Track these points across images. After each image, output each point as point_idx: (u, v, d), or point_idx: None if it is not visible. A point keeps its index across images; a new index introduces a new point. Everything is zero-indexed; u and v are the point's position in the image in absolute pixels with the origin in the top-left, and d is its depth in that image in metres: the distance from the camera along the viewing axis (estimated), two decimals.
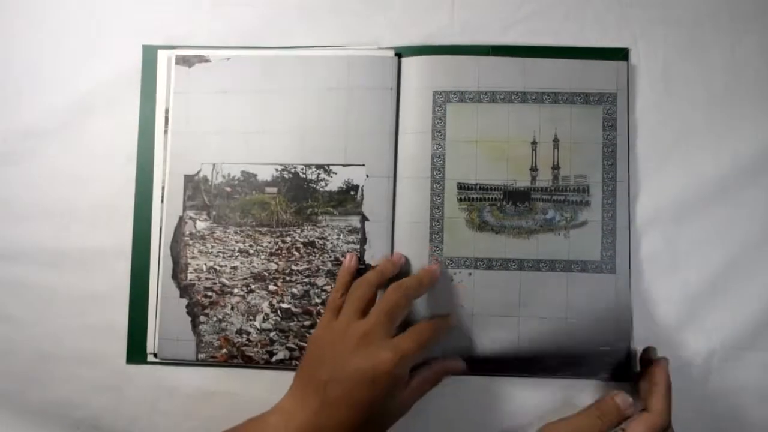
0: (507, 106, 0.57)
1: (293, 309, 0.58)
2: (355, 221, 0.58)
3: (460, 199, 0.57)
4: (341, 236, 0.58)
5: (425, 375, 0.52)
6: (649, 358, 0.53)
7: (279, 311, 0.58)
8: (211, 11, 0.61)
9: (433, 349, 0.54)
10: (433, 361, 0.53)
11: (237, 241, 0.59)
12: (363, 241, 0.57)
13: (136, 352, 0.58)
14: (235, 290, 0.58)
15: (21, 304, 0.59)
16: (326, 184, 0.58)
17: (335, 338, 0.49)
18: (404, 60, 0.58)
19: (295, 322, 0.58)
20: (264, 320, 0.58)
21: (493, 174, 0.57)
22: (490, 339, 0.55)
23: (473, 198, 0.57)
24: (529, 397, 0.56)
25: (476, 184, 0.57)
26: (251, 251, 0.58)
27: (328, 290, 0.57)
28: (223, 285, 0.58)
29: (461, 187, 0.57)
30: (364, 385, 0.47)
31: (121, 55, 0.60)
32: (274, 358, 0.57)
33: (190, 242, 0.59)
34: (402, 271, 0.56)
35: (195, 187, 0.59)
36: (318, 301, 0.58)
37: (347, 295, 0.52)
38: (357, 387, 0.47)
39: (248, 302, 0.58)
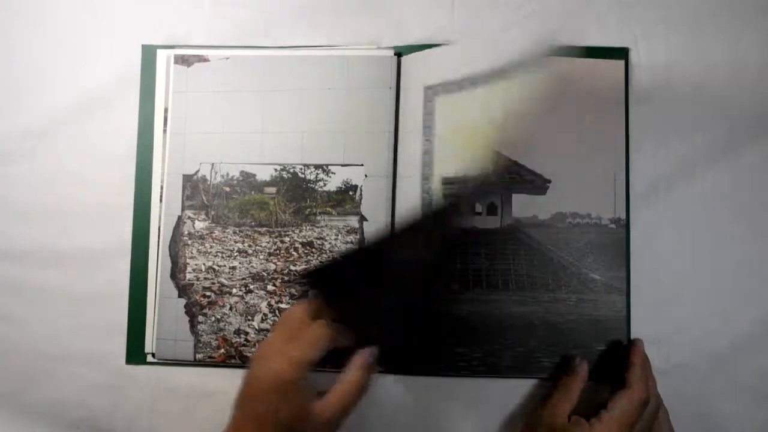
0: (490, 87, 0.57)
1: None
2: (353, 221, 0.58)
3: (445, 195, 0.57)
4: (339, 236, 0.58)
5: (347, 381, 0.48)
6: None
7: (278, 311, 0.58)
8: (211, 11, 0.61)
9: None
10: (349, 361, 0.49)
11: (236, 241, 0.59)
12: (361, 241, 0.57)
13: (135, 352, 0.58)
14: (234, 290, 0.58)
15: (21, 304, 0.59)
16: (325, 184, 0.58)
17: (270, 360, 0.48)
18: (404, 60, 0.58)
19: None
20: (262, 320, 0.58)
21: (477, 164, 0.57)
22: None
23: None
24: (526, 397, 0.56)
25: (462, 177, 0.57)
26: (250, 251, 0.58)
27: None
28: (222, 285, 0.58)
29: (446, 182, 0.57)
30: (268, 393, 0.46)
31: (120, 54, 0.60)
32: None
33: (189, 242, 0.59)
34: None
35: (194, 187, 0.59)
36: None
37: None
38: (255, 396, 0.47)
39: (247, 302, 0.58)
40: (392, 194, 0.57)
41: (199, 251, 0.59)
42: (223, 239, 0.59)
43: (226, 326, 0.58)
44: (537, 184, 0.57)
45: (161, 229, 0.59)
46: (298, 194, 0.58)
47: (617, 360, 0.54)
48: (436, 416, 0.56)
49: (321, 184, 0.58)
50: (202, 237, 0.59)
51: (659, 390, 0.52)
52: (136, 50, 0.60)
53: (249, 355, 0.57)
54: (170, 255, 0.59)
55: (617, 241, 0.56)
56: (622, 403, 0.49)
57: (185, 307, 0.58)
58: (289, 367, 0.46)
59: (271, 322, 0.57)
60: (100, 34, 0.61)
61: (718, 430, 0.55)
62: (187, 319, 0.58)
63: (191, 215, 0.59)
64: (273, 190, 0.59)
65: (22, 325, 0.59)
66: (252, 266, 0.58)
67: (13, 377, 0.59)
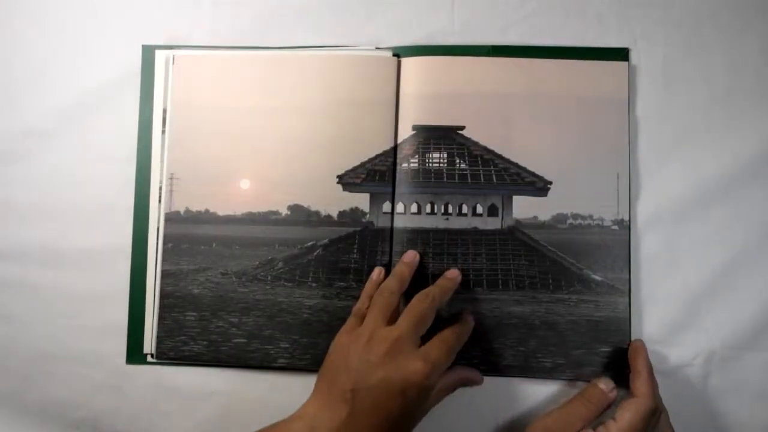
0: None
1: None
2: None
3: None
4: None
5: (447, 382, 0.52)
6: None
7: None
8: (211, 11, 0.61)
9: None
10: (457, 368, 0.53)
11: None
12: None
13: (135, 352, 0.58)
14: None
15: (21, 304, 0.59)
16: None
17: (360, 345, 0.48)
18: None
19: None
20: None
21: None
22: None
23: None
24: (528, 397, 0.56)
25: None
26: None
27: None
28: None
29: None
30: (394, 396, 0.45)
31: (121, 55, 0.60)
32: None
33: None
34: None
35: None
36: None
37: (371, 303, 0.51)
38: (387, 397, 0.46)
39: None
40: (392, 195, 0.57)
41: None
42: None
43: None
44: (538, 186, 0.57)
45: (160, 229, 0.58)
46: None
47: (620, 362, 0.54)
48: (437, 415, 0.56)
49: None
50: None
51: (661, 388, 0.52)
52: (136, 50, 0.60)
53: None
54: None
55: (620, 242, 0.56)
56: (631, 415, 0.48)
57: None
58: (428, 369, 0.46)
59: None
60: (100, 34, 0.61)
61: (720, 430, 0.55)
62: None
63: None
64: None
65: (22, 325, 0.59)
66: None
67: (13, 377, 0.59)
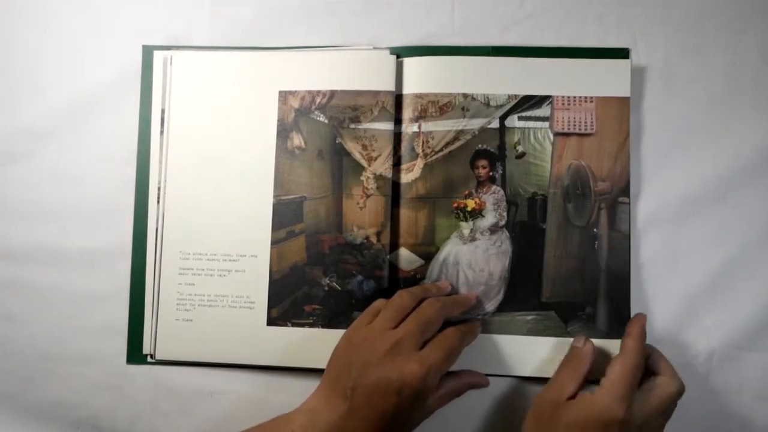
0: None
1: None
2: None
3: None
4: None
5: (453, 386, 0.52)
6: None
7: None
8: (211, 11, 0.61)
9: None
10: (463, 372, 0.53)
11: None
12: None
13: (135, 352, 0.58)
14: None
15: (21, 304, 0.59)
16: None
17: (366, 342, 0.49)
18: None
19: None
20: None
21: None
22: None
23: None
24: (528, 397, 0.56)
25: None
26: None
27: None
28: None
29: None
30: (389, 396, 0.46)
31: (121, 55, 0.60)
32: None
33: None
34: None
35: None
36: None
37: (387, 304, 0.52)
38: (383, 397, 0.46)
39: None
40: (393, 197, 0.57)
41: None
42: None
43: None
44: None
45: (158, 230, 0.58)
46: None
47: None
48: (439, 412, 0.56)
49: None
50: None
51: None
52: (136, 50, 0.60)
53: None
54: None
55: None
56: (617, 369, 0.49)
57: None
58: (424, 372, 0.46)
59: None
60: (100, 34, 0.61)
61: (720, 430, 0.55)
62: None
63: None
64: None
65: (22, 325, 0.59)
66: None
67: (13, 377, 0.59)
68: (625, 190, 0.56)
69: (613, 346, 0.54)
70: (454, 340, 0.50)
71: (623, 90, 0.57)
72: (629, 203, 0.56)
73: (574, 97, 0.57)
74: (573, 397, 0.49)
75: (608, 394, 0.47)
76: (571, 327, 0.55)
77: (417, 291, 0.53)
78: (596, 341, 0.53)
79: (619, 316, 0.55)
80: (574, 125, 0.56)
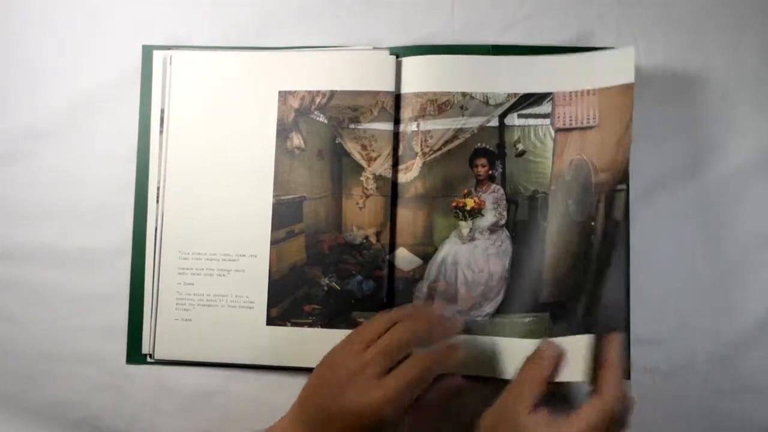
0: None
1: None
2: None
3: None
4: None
5: (428, 401, 0.47)
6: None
7: None
8: (211, 11, 0.61)
9: None
10: (436, 384, 0.48)
11: None
12: None
13: (135, 352, 0.58)
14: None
15: (21, 304, 0.59)
16: None
17: (335, 366, 0.47)
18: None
19: None
20: None
21: None
22: None
23: None
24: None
25: None
26: None
27: None
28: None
29: None
30: (351, 425, 0.45)
31: (120, 55, 0.60)
32: None
33: None
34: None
35: None
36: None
37: (362, 324, 0.50)
38: (345, 425, 0.45)
39: None
40: (392, 197, 0.57)
41: None
42: None
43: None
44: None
45: (158, 230, 0.58)
46: None
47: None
48: None
49: None
50: None
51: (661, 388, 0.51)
52: (136, 50, 0.60)
53: None
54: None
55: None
56: (592, 415, 0.43)
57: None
58: (385, 404, 0.44)
59: None
60: (100, 34, 0.61)
61: (720, 430, 0.55)
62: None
63: None
64: None
65: (22, 325, 0.59)
66: None
67: (13, 377, 0.59)
68: (624, 178, 0.54)
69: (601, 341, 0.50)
70: (417, 370, 0.46)
71: (627, 77, 0.55)
72: (627, 189, 0.55)
73: (576, 92, 0.56)
74: (536, 405, 0.45)
75: None
76: (556, 327, 0.54)
77: (393, 314, 0.49)
78: (583, 337, 0.51)
79: (613, 310, 0.54)
80: (576, 120, 0.56)
